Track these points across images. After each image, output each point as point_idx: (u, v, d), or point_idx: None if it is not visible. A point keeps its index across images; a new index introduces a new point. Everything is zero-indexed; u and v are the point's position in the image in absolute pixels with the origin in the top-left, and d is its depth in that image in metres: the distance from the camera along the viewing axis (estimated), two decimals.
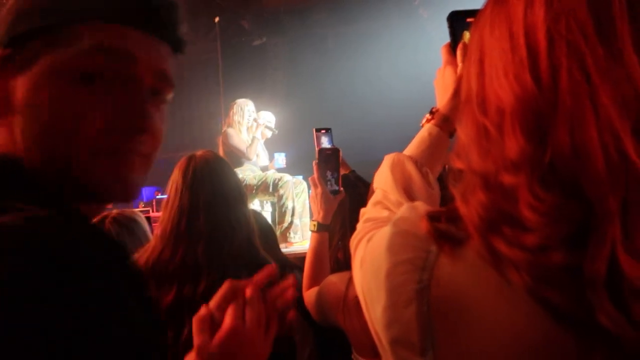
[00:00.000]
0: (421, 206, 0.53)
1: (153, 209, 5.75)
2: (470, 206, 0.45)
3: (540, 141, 0.41)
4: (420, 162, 0.73)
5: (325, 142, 1.85)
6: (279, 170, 3.77)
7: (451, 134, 0.78)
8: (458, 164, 0.48)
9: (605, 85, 0.39)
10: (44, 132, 0.48)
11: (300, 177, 3.58)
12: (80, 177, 0.49)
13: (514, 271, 0.41)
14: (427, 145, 0.76)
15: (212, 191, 1.30)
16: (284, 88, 6.10)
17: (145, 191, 6.73)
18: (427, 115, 0.79)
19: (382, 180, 0.73)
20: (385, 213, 0.68)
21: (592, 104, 0.39)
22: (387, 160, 0.75)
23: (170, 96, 0.58)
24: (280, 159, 3.83)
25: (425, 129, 0.78)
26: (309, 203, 3.33)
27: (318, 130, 1.84)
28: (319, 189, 1.43)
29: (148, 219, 2.87)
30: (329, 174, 1.49)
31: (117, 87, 0.50)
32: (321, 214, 1.42)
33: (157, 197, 6.08)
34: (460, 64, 0.73)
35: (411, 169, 0.71)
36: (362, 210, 0.74)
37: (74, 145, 0.48)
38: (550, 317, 0.40)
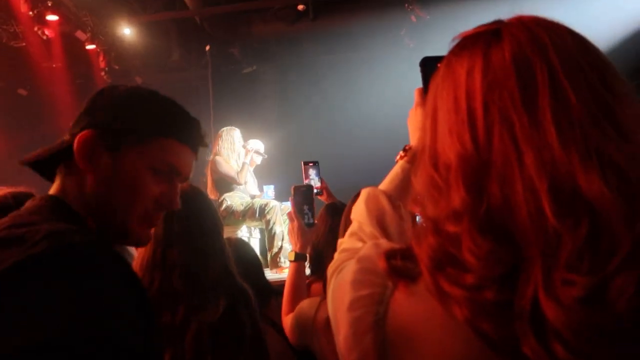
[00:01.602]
0: (384, 244, 0.58)
1: None
2: (422, 247, 0.50)
3: (478, 194, 0.47)
4: (394, 197, 0.78)
5: (312, 174, 1.92)
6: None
7: None
8: (414, 210, 0.53)
9: (528, 150, 0.46)
10: (118, 194, 0.73)
11: (288, 203, 3.61)
12: (120, 229, 0.74)
13: (456, 306, 0.46)
14: (400, 181, 0.81)
15: (186, 222, 1.34)
16: (273, 116, 6.18)
17: None
18: (401, 152, 0.84)
19: (358, 213, 0.78)
20: (359, 244, 0.73)
21: (518, 165, 0.46)
22: (363, 194, 0.80)
23: None
24: (270, 191, 3.88)
25: (399, 165, 0.83)
26: (287, 235, 3.40)
27: (306, 163, 1.91)
28: (296, 223, 1.56)
29: None
30: (305, 207, 1.61)
31: (167, 183, 0.78)
32: (298, 245, 1.54)
33: None
34: None
35: (384, 202, 0.76)
36: (340, 240, 0.78)
37: (134, 209, 0.74)
38: (482, 346, 0.45)
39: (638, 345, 0.42)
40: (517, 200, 0.45)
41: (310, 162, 1.97)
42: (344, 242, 0.76)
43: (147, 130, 0.75)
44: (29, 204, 0.70)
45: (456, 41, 0.56)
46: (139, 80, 6.14)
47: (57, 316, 0.49)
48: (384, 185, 0.82)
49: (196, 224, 1.35)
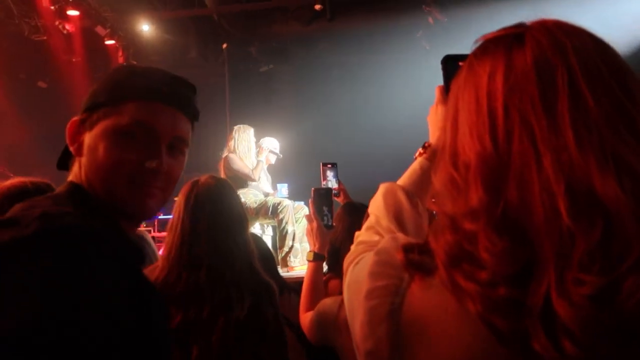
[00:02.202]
0: (402, 238, 0.60)
1: (155, 229, 5.79)
2: (439, 243, 0.52)
3: (496, 194, 0.48)
4: (411, 192, 0.79)
5: (330, 176, 1.93)
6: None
7: None
8: (433, 207, 0.55)
9: (546, 152, 0.47)
10: (98, 169, 0.73)
11: (301, 203, 3.63)
12: (118, 202, 0.73)
13: (469, 300, 0.48)
14: (418, 177, 0.82)
15: (212, 217, 1.35)
16: (288, 115, 6.20)
17: None
18: (420, 149, 0.85)
19: (376, 207, 0.79)
20: (376, 237, 0.74)
21: (536, 167, 0.47)
22: (382, 188, 0.81)
23: (186, 150, 0.83)
24: (283, 189, 3.90)
25: (417, 162, 0.84)
26: (298, 235, 3.43)
27: (325, 164, 1.93)
28: (315, 224, 1.59)
29: (153, 238, 2.92)
30: (325, 209, 1.64)
31: (143, 144, 0.74)
32: (317, 246, 1.57)
33: (159, 217, 6.13)
34: None
35: (402, 198, 0.77)
36: (357, 233, 0.80)
37: (116, 178, 0.72)
38: (493, 340, 0.47)
39: None
40: (534, 201, 0.46)
41: (329, 164, 1.98)
42: (361, 235, 0.78)
43: (112, 100, 0.74)
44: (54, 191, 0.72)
45: (478, 43, 0.57)
46: None
47: (28, 301, 0.48)
48: (402, 180, 0.83)
49: (222, 220, 1.36)
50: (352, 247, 0.76)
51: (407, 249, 0.55)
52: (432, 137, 0.84)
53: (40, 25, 5.21)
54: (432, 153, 0.83)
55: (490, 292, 0.46)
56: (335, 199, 2.03)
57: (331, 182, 2.00)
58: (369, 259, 0.59)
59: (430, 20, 5.35)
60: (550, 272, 0.45)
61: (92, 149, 0.73)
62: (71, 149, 0.76)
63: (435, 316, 0.51)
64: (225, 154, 3.79)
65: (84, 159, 0.74)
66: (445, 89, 0.80)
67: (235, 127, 3.91)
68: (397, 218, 0.76)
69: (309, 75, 6.50)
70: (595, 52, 0.51)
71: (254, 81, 6.34)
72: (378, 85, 5.69)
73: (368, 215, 0.82)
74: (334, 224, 1.68)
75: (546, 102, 0.48)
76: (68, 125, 0.76)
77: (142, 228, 5.67)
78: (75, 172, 0.76)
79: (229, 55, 5.94)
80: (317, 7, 5.31)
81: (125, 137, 0.73)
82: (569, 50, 0.50)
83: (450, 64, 0.79)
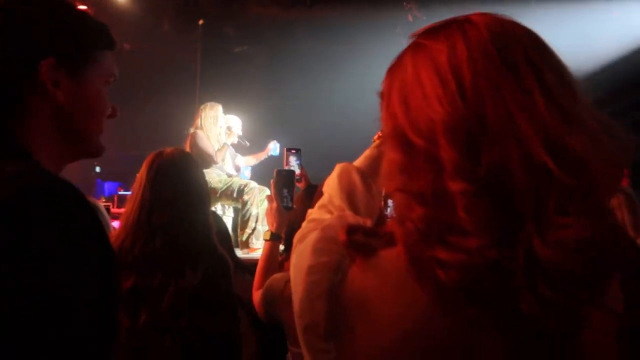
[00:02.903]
0: (349, 217, 0.61)
1: (114, 205, 5.64)
2: (406, 224, 0.52)
3: (475, 154, 0.49)
4: (367, 174, 0.79)
5: (293, 161, 1.94)
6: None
7: None
8: (388, 187, 0.56)
9: (518, 111, 0.49)
10: (88, 116, 0.74)
11: (265, 188, 3.62)
12: (92, 151, 0.77)
13: (442, 272, 0.48)
14: (374, 160, 0.83)
15: (173, 188, 1.35)
16: (259, 98, 6.13)
17: (108, 186, 6.61)
18: (379, 132, 0.86)
19: (330, 186, 0.79)
20: (327, 216, 0.74)
21: (511, 124, 0.49)
22: (337, 168, 0.82)
23: None
24: (247, 172, 3.87)
25: (375, 145, 0.85)
26: (262, 217, 3.42)
27: (289, 149, 1.94)
28: (275, 204, 1.62)
29: (107, 211, 2.84)
30: (285, 191, 1.67)
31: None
32: (275, 226, 1.61)
33: (119, 192, 5.98)
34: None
35: (356, 178, 0.78)
36: (309, 210, 0.80)
37: (100, 125, 0.77)
38: (433, 310, 0.49)
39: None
40: (513, 158, 0.48)
41: (293, 149, 1.99)
42: (313, 213, 0.78)
43: (88, 49, 0.75)
44: None
45: (415, 36, 0.60)
46: (127, 47, 6.02)
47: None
48: (359, 162, 0.84)
49: (184, 191, 1.36)
50: (303, 224, 0.76)
51: (350, 230, 0.55)
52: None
53: None
54: None
55: (477, 259, 0.47)
56: (297, 184, 2.05)
57: (294, 168, 2.02)
58: (314, 235, 0.60)
59: (410, 17, 5.39)
60: (531, 222, 0.47)
61: (84, 98, 0.74)
62: (35, 95, 0.70)
63: (377, 296, 0.52)
64: (191, 130, 3.71)
65: (60, 108, 0.71)
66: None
67: (203, 105, 3.83)
68: (350, 198, 0.76)
69: (284, 60, 6.44)
70: (531, 35, 0.56)
71: (227, 61, 6.24)
72: (352, 76, 5.69)
73: (321, 194, 0.82)
74: (295, 205, 1.69)
75: (509, 67, 0.51)
76: (43, 69, 0.69)
77: (101, 202, 5.53)
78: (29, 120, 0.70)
79: (203, 33, 5.82)
80: None
81: (105, 87, 0.78)
82: (515, 27, 0.55)
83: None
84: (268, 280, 1.48)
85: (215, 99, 4.06)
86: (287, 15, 5.61)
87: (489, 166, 0.48)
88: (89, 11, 5.44)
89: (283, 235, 1.65)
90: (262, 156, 4.07)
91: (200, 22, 5.83)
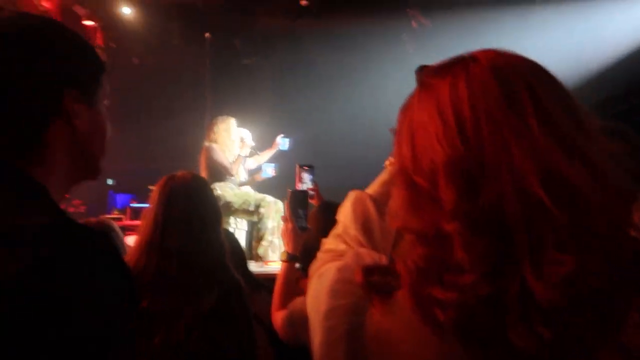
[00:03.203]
0: (365, 255, 0.60)
1: (127, 217, 5.69)
2: (408, 262, 0.52)
3: (473, 193, 0.49)
4: (380, 201, 0.80)
5: (306, 178, 1.92)
6: (266, 179, 3.86)
7: None
8: (394, 224, 0.56)
9: (514, 140, 0.50)
10: (98, 140, 0.76)
11: (280, 202, 3.64)
12: (96, 173, 0.78)
13: (440, 312, 0.48)
14: (388, 186, 0.84)
15: (187, 210, 1.37)
16: (269, 109, 6.16)
17: (120, 198, 6.66)
18: (390, 158, 0.86)
19: (344, 215, 0.80)
20: (342, 246, 0.75)
21: (506, 154, 0.49)
22: (350, 197, 0.82)
23: None
24: (269, 169, 3.88)
25: (387, 171, 0.85)
26: (280, 236, 3.43)
27: (301, 166, 1.91)
28: (290, 225, 1.61)
29: (122, 227, 2.87)
30: (300, 212, 1.65)
31: None
32: (291, 246, 1.60)
33: (132, 205, 6.03)
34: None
35: (370, 207, 0.78)
36: (324, 240, 0.81)
37: (105, 145, 0.78)
38: (459, 351, 0.48)
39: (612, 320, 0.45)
40: (508, 190, 0.48)
41: (306, 166, 1.97)
42: (328, 243, 0.79)
43: (96, 75, 0.77)
44: None
45: (423, 73, 0.60)
46: (135, 61, 6.08)
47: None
48: (372, 189, 0.84)
49: (197, 213, 1.38)
50: (319, 254, 0.77)
51: (367, 271, 0.55)
52: None
53: (16, 1, 5.03)
54: None
55: (469, 297, 0.47)
56: (310, 201, 2.04)
57: (306, 184, 2.00)
58: (331, 275, 0.60)
59: (414, 23, 5.39)
60: (525, 258, 0.46)
61: (99, 122, 0.76)
62: (57, 124, 0.70)
63: (394, 334, 0.52)
64: (206, 144, 3.76)
65: (78, 135, 0.72)
66: None
67: (216, 119, 3.88)
68: (365, 227, 0.77)
69: (292, 71, 6.47)
70: (535, 67, 0.56)
71: (236, 73, 6.28)
72: (361, 85, 5.70)
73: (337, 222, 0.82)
74: (309, 224, 1.70)
75: (510, 102, 0.51)
76: (66, 100, 0.70)
77: (115, 216, 5.57)
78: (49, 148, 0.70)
79: (211, 46, 5.87)
80: (303, 2, 5.28)
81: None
82: (519, 60, 0.55)
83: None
84: (292, 304, 1.47)
85: (225, 111, 4.09)
86: (294, 25, 5.64)
87: (485, 204, 0.48)
88: (97, 27, 5.51)
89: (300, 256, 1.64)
90: (271, 152, 4.14)
91: (207, 35, 5.88)
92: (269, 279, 2.21)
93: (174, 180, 1.43)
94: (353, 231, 0.76)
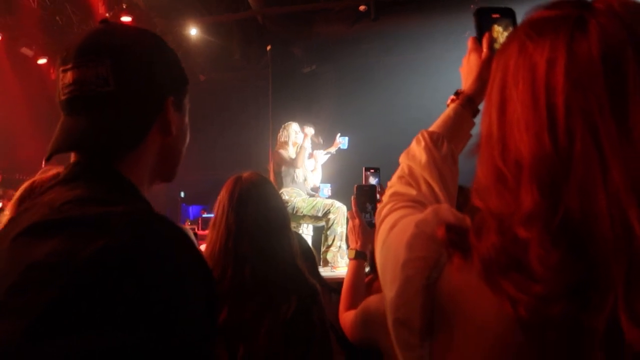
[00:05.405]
0: (444, 212, 0.57)
1: (199, 227, 5.95)
2: (482, 242, 0.48)
3: (554, 199, 0.44)
4: (446, 137, 0.78)
5: (372, 181, 1.90)
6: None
7: (474, 114, 0.82)
8: (477, 203, 0.52)
9: (615, 160, 0.42)
10: (182, 146, 0.79)
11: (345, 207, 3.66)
12: (173, 175, 0.80)
13: (513, 305, 0.44)
14: (452, 123, 0.81)
15: (258, 213, 1.33)
16: (331, 116, 6.21)
17: (192, 209, 6.98)
18: (452, 96, 0.84)
19: (409, 157, 0.78)
20: (409, 189, 0.73)
21: (602, 175, 0.42)
22: (415, 139, 0.81)
23: None
24: (326, 189, 3.95)
25: (451, 109, 0.82)
26: (347, 234, 3.44)
27: (367, 169, 1.89)
28: (357, 221, 1.55)
29: (195, 235, 3.01)
30: (368, 206, 1.59)
31: None
32: (359, 243, 1.52)
33: (203, 215, 6.30)
34: (485, 51, 0.79)
35: (433, 146, 0.77)
36: (389, 182, 0.79)
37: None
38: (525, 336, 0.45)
39: None
40: (600, 215, 0.42)
41: (371, 169, 1.94)
42: (394, 185, 0.77)
43: (185, 82, 0.79)
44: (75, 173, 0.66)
45: (531, 15, 0.51)
46: (201, 78, 6.38)
47: (130, 317, 0.49)
48: (436, 127, 0.81)
49: (268, 216, 1.34)
50: (385, 197, 0.75)
51: (449, 227, 0.53)
52: (465, 83, 0.83)
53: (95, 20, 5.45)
54: (465, 99, 0.82)
55: (543, 306, 0.43)
56: (378, 203, 2.01)
57: None
58: (408, 228, 0.57)
59: None
60: (618, 292, 0.41)
61: (184, 129, 0.78)
62: (154, 128, 0.72)
63: (472, 292, 0.49)
64: (275, 149, 3.98)
65: (169, 138, 0.74)
66: (478, 39, 0.81)
67: (283, 125, 4.09)
68: (430, 167, 0.75)
69: (353, 76, 6.48)
70: None
71: (297, 82, 6.39)
72: (423, 86, 5.60)
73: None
74: None
75: (615, 103, 0.43)
76: (167, 107, 0.73)
77: (187, 226, 5.85)
78: (141, 153, 0.72)
79: (272, 57, 6.02)
80: (362, 7, 5.28)
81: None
82: None
83: (483, 16, 0.80)
84: (364, 303, 1.39)
85: (287, 119, 4.21)
86: (352, 31, 5.66)
87: (567, 214, 0.43)
88: None
89: (368, 254, 1.59)
90: (334, 148, 4.28)
91: (268, 47, 6.04)
92: (338, 282, 2.21)
93: (241, 182, 1.39)
94: (419, 171, 0.75)
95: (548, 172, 0.45)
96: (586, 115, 0.43)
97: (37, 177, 1.39)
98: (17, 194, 1.33)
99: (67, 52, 0.68)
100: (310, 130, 3.97)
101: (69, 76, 0.66)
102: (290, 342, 1.22)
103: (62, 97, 0.67)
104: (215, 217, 1.37)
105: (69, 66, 0.66)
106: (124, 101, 0.68)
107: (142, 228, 0.55)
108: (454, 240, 0.52)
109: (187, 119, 0.79)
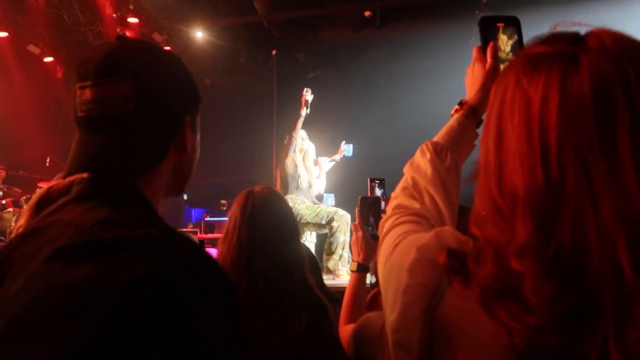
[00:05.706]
0: (447, 235, 0.57)
1: (201, 230, 5.95)
2: (480, 270, 0.50)
3: (547, 232, 0.45)
4: (449, 148, 0.78)
5: (377, 192, 1.89)
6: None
7: (478, 124, 0.83)
8: (475, 231, 0.53)
9: (604, 194, 0.43)
10: (193, 164, 0.79)
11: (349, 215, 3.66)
12: (182, 191, 0.79)
13: (508, 333, 0.45)
14: (456, 134, 0.81)
15: (268, 228, 1.35)
16: (335, 122, 6.22)
17: (195, 213, 6.98)
18: (457, 106, 0.84)
19: (412, 168, 0.78)
20: (412, 201, 0.74)
21: (593, 210, 0.44)
22: (419, 149, 0.81)
23: None
24: (330, 200, 3.95)
25: (454, 119, 0.82)
26: (350, 246, 3.44)
27: (372, 180, 1.89)
28: (360, 233, 1.54)
29: (201, 242, 3.00)
30: (371, 219, 1.59)
31: None
32: (361, 256, 1.51)
33: (206, 219, 6.30)
34: (489, 61, 0.79)
35: (436, 158, 0.77)
36: (393, 193, 0.79)
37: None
38: None
39: None
40: (591, 249, 0.43)
41: (377, 180, 1.95)
42: (397, 197, 0.77)
43: (197, 101, 0.78)
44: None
45: (531, 45, 0.53)
46: (207, 82, 6.39)
47: (166, 344, 0.50)
48: (440, 137, 0.82)
49: (280, 230, 1.37)
50: (388, 209, 0.75)
51: (450, 253, 0.54)
52: (469, 94, 0.83)
53: (103, 33, 5.49)
54: (469, 109, 0.82)
55: (537, 336, 0.44)
56: (382, 215, 2.00)
57: None
58: (409, 251, 0.58)
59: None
60: (608, 324, 0.42)
61: (196, 146, 0.78)
62: (172, 148, 0.72)
63: (469, 325, 0.50)
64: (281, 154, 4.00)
65: (184, 156, 0.75)
66: (483, 49, 0.81)
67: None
68: (434, 180, 0.75)
69: (357, 83, 6.49)
70: None
71: (302, 87, 6.41)
72: (428, 93, 5.60)
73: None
74: None
75: (605, 139, 0.44)
76: (184, 125, 0.73)
77: (190, 229, 5.85)
78: (160, 172, 0.72)
79: (277, 62, 6.04)
80: (367, 13, 5.30)
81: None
82: (631, 79, 0.45)
83: (487, 26, 0.80)
84: (362, 319, 1.38)
85: (291, 123, 4.21)
86: (358, 37, 5.66)
87: (560, 247, 0.44)
88: (172, 51, 5.87)
89: (371, 266, 1.59)
90: (339, 156, 4.31)
91: (274, 52, 6.06)
92: (340, 292, 2.20)
93: (253, 196, 1.41)
94: (423, 183, 0.75)
95: (541, 206, 0.46)
96: (577, 151, 0.45)
97: (54, 183, 1.38)
98: (34, 199, 1.32)
99: (84, 68, 0.67)
100: (309, 95, 4.02)
101: (87, 93, 0.66)
102: (304, 354, 1.23)
103: (80, 114, 0.67)
104: (227, 231, 1.38)
105: (88, 83, 0.66)
106: (144, 121, 0.68)
107: (175, 251, 0.56)
108: (455, 266, 0.53)
109: (199, 136, 0.79)
